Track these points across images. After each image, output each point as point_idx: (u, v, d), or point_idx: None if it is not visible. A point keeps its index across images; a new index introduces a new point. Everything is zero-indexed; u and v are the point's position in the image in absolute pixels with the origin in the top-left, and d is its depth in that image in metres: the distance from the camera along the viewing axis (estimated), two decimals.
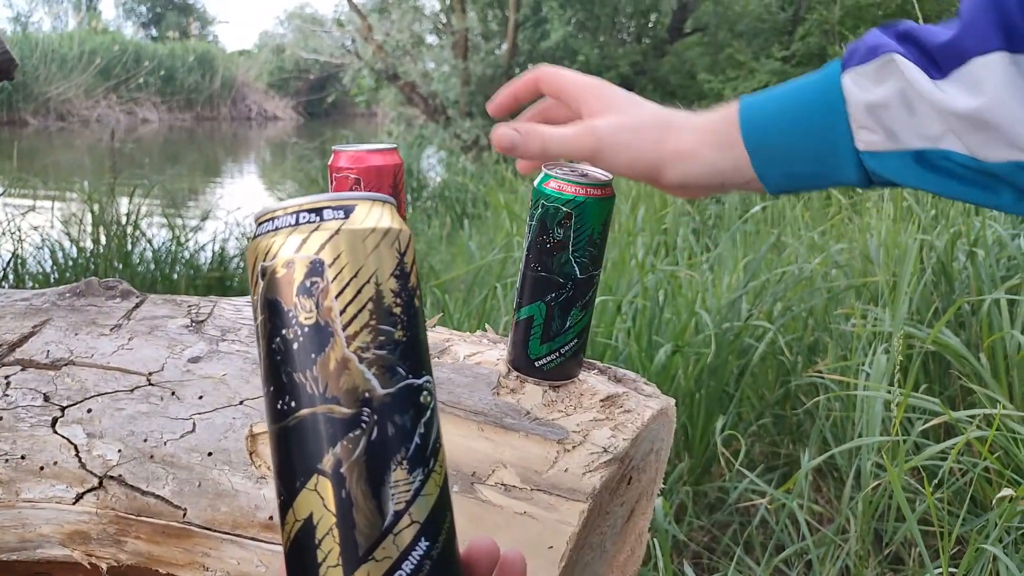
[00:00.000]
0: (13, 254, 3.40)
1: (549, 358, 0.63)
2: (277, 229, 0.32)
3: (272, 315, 0.31)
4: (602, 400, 0.63)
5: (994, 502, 1.08)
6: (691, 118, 0.55)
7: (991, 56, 0.46)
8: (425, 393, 0.32)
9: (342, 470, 0.30)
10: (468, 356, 0.67)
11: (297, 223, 0.32)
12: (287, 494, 0.31)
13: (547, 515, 0.56)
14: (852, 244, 2.35)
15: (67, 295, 0.78)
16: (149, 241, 3.85)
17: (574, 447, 0.59)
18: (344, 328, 0.31)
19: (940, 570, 1.11)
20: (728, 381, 2.00)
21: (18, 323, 0.74)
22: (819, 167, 0.51)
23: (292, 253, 0.31)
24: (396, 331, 0.32)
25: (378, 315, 0.31)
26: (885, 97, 0.49)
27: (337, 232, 0.31)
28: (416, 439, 0.31)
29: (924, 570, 1.38)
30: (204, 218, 4.40)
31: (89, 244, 3.66)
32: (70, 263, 3.56)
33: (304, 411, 0.31)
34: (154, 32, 25.11)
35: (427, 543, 0.31)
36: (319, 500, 0.31)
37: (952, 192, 0.50)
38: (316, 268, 0.31)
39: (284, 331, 0.31)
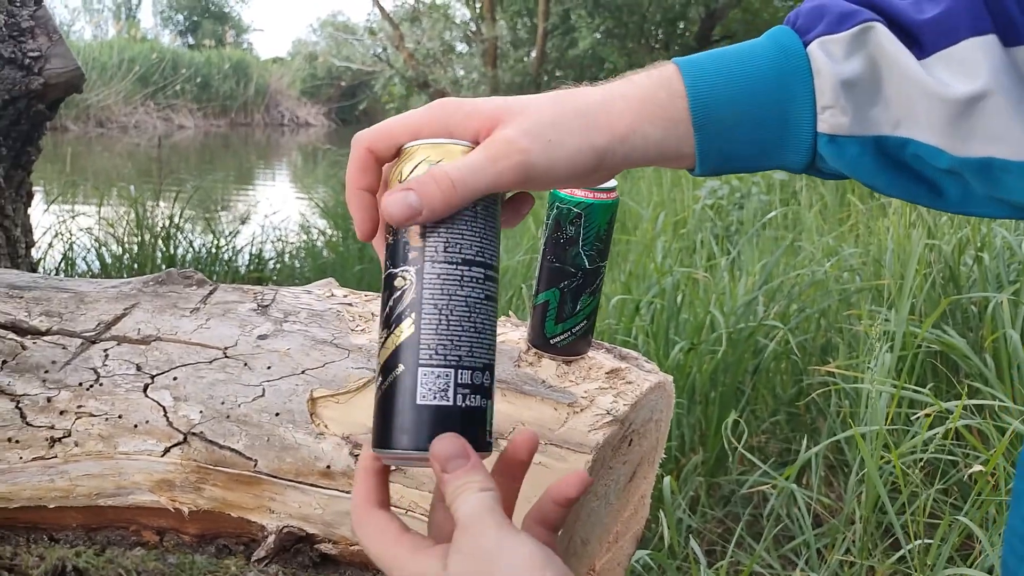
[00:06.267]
0: (64, 255, 3.59)
1: (562, 336, 0.74)
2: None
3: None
4: (607, 372, 0.74)
5: (967, 476, 1.17)
6: (609, 91, 0.46)
7: (988, 37, 0.41)
8: (399, 278, 0.47)
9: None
10: None
11: None
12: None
13: (558, 464, 0.68)
14: (866, 248, 2.44)
15: (151, 283, 0.91)
16: (191, 243, 4.03)
17: (582, 410, 0.70)
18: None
19: (930, 542, 1.20)
20: (742, 379, 2.09)
21: (111, 306, 0.87)
22: (764, 146, 0.45)
23: None
24: (389, 237, 0.48)
25: (387, 230, 0.48)
26: (859, 73, 0.42)
27: None
28: (386, 309, 0.47)
29: (926, 557, 1.47)
30: (242, 222, 4.58)
31: (134, 246, 3.84)
32: (116, 264, 3.74)
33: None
34: (191, 40, 25.68)
35: (380, 379, 0.47)
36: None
37: (896, 187, 0.45)
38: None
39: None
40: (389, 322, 0.46)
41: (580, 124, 0.45)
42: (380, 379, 0.46)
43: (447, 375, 0.45)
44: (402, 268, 0.46)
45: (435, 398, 0.45)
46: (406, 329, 0.45)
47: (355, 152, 0.48)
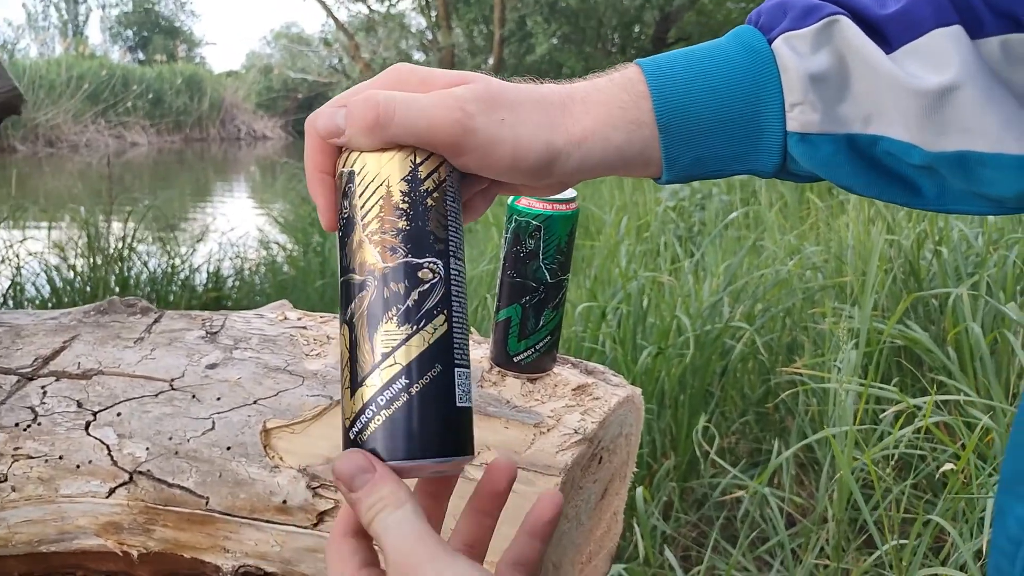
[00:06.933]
0: (12, 281, 3.47)
1: (526, 353, 0.71)
2: (340, 152, 0.44)
3: (339, 213, 0.44)
4: (573, 389, 0.71)
5: (938, 475, 1.17)
6: (570, 93, 0.44)
7: (954, 28, 0.39)
8: (425, 271, 0.42)
9: (354, 320, 0.42)
10: None
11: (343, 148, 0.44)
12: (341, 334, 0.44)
13: (526, 488, 0.65)
14: (827, 246, 2.45)
15: (92, 313, 0.86)
16: (145, 264, 3.93)
17: (548, 430, 0.67)
18: (362, 218, 0.42)
19: (904, 542, 1.19)
20: (711, 381, 2.08)
21: (49, 339, 0.82)
22: (733, 149, 0.42)
23: (340, 168, 0.43)
24: (400, 221, 0.42)
25: (386, 209, 0.42)
26: (826, 68, 0.40)
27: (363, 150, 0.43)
28: (408, 302, 0.42)
29: (899, 552, 1.47)
30: (198, 240, 4.48)
31: (86, 269, 3.72)
32: (68, 288, 3.63)
33: (341, 278, 0.43)
34: (141, 55, 25.25)
35: (406, 381, 0.41)
36: (343, 341, 0.42)
37: (873, 187, 0.43)
38: (350, 177, 0.43)
39: (339, 223, 0.43)
40: (416, 318, 0.42)
41: (540, 118, 0.42)
42: (405, 381, 0.41)
43: (469, 376, 0.44)
44: (428, 260, 0.42)
45: (466, 400, 0.43)
46: (439, 326, 0.42)
47: (310, 134, 0.44)
